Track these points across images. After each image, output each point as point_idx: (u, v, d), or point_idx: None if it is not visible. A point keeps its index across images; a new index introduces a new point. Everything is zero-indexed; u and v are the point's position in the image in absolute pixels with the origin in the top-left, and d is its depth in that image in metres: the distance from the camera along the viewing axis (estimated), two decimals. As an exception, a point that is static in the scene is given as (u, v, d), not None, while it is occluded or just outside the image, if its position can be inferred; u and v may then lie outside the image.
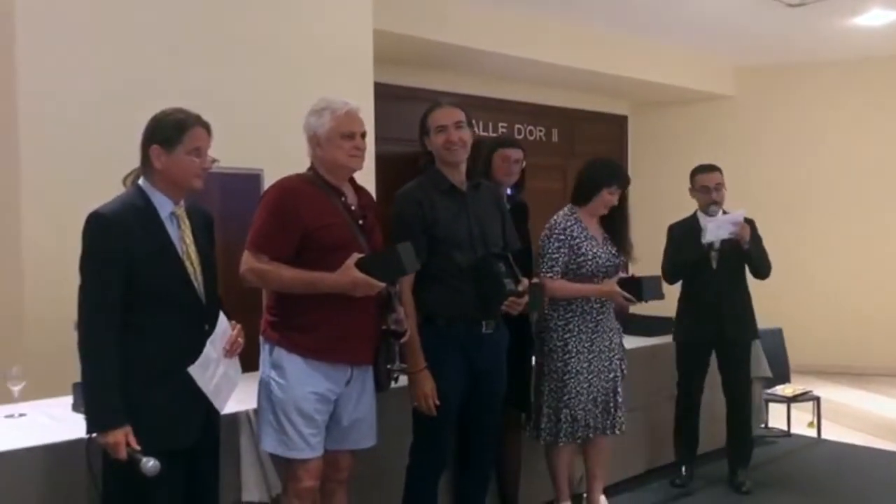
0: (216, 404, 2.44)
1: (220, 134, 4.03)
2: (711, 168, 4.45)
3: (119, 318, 2.23)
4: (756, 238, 4.29)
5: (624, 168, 3.73)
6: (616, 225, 3.67)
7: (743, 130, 8.69)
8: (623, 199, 3.68)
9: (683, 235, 4.41)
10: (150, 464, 2.15)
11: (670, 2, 6.58)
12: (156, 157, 2.33)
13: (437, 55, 6.69)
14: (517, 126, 8.23)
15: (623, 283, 3.57)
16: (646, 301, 3.58)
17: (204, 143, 2.38)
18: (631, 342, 4.37)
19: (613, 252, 3.63)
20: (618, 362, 3.67)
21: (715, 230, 4.17)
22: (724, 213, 4.31)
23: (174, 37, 4.30)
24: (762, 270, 4.33)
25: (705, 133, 8.79)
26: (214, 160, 2.42)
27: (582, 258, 3.53)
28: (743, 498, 4.30)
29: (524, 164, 3.67)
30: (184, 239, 2.36)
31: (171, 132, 2.33)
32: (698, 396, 4.47)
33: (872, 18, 6.96)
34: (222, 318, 2.42)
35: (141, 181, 2.37)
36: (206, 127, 2.40)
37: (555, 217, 3.68)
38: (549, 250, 3.56)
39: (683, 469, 4.49)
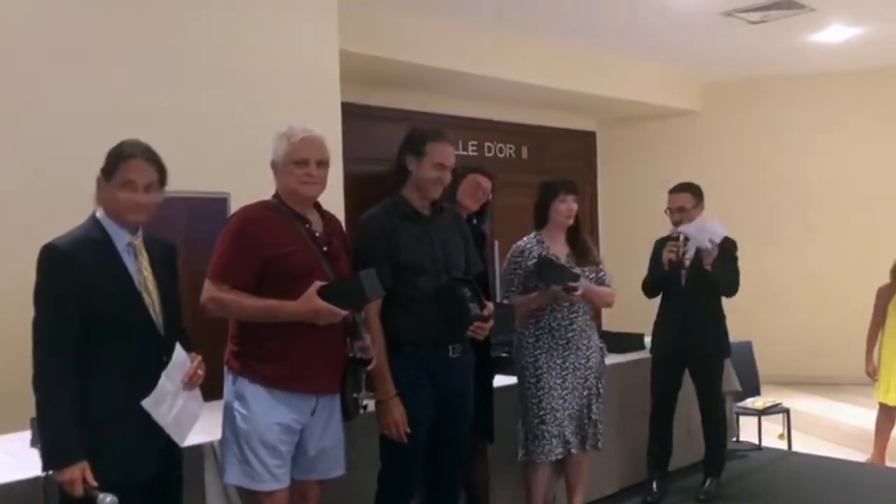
0: (175, 437, 2.39)
1: (186, 158, 4.05)
2: (678, 188, 4.51)
3: (74, 353, 2.19)
4: (728, 259, 4.33)
5: (567, 179, 3.80)
6: (577, 239, 3.71)
7: (708, 144, 8.81)
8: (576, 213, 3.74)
9: (659, 251, 4.45)
10: (107, 500, 2.11)
11: (636, 20, 6.66)
12: (98, 187, 2.31)
13: (406, 75, 6.70)
14: (487, 144, 8.25)
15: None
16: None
17: (141, 176, 2.29)
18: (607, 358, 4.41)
19: (581, 269, 3.66)
20: (594, 380, 3.68)
21: (694, 233, 4.20)
22: (666, 276, 4.33)
23: (137, 60, 4.26)
24: (726, 290, 4.38)
25: (672, 147, 8.89)
26: (157, 196, 2.34)
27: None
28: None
29: (490, 196, 3.69)
30: (141, 271, 2.33)
31: (109, 163, 2.30)
32: (671, 412, 4.49)
33: (831, 35, 7.10)
34: (178, 349, 2.38)
35: (98, 212, 2.33)
36: (151, 160, 2.32)
37: (518, 242, 3.78)
38: (506, 272, 3.72)
39: (654, 485, 4.49)
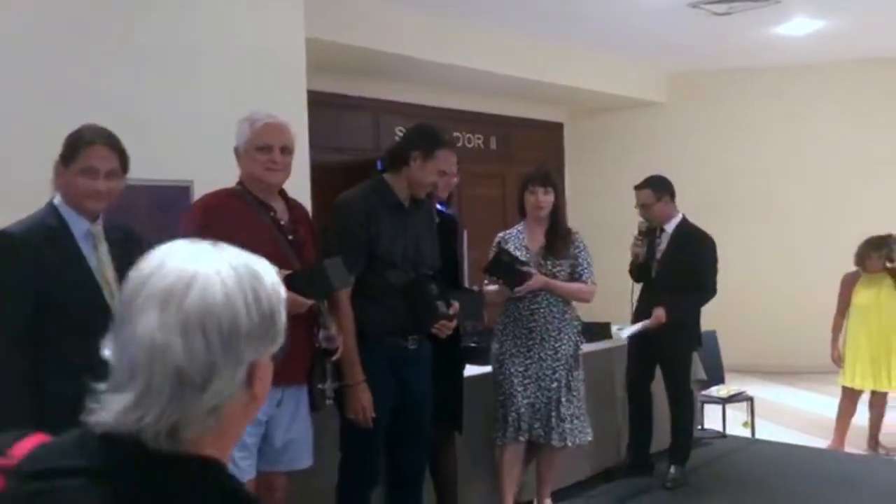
0: None
1: (148, 144, 3.96)
2: (640, 185, 4.60)
3: (27, 345, 2.13)
4: (689, 308, 4.51)
5: (545, 169, 3.85)
6: (552, 231, 3.71)
7: (674, 135, 8.87)
8: (556, 201, 3.75)
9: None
10: None
11: (604, 12, 6.67)
12: (56, 173, 2.25)
13: (373, 64, 6.64)
14: (455, 134, 8.21)
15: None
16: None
17: (101, 163, 2.24)
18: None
19: (554, 262, 3.69)
20: (563, 373, 3.68)
21: (627, 331, 4.48)
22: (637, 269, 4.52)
23: (98, 45, 4.17)
24: (703, 304, 4.57)
25: (638, 138, 8.95)
26: (118, 183, 2.29)
27: None
28: (676, 499, 4.38)
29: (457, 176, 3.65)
30: (100, 259, 2.27)
31: (68, 149, 2.24)
32: (646, 398, 4.60)
33: (795, 28, 7.18)
34: None
35: (56, 199, 2.27)
36: (112, 146, 2.27)
37: (505, 231, 3.86)
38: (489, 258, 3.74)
39: (672, 469, 4.54)
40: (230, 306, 0.92)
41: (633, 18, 6.84)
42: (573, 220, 9.79)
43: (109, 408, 0.92)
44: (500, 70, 7.27)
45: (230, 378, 0.92)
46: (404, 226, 2.92)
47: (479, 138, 8.47)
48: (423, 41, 6.58)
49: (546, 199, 3.67)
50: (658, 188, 4.51)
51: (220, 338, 0.91)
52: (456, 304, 2.96)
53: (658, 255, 4.49)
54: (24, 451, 0.96)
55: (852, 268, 5.39)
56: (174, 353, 0.88)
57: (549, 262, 3.69)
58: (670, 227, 4.53)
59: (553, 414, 3.65)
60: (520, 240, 3.72)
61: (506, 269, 3.61)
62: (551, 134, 9.41)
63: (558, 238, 3.73)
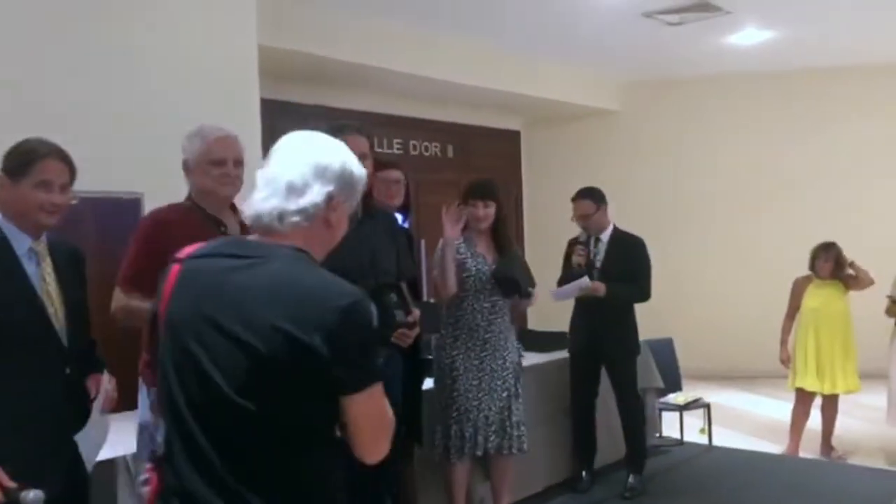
0: (88, 460, 2.28)
1: (96, 155, 3.85)
2: (577, 196, 4.61)
3: None
4: (639, 268, 4.53)
5: (484, 182, 3.77)
6: (499, 238, 3.70)
7: (628, 143, 8.97)
8: (498, 213, 3.72)
9: (571, 252, 4.60)
10: (30, 495, 1.95)
11: (559, 22, 6.70)
12: (2, 187, 2.16)
13: (329, 72, 6.59)
14: (412, 142, 8.20)
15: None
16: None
17: (56, 176, 2.19)
18: (527, 358, 4.42)
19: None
20: (512, 381, 3.67)
21: (560, 295, 4.43)
22: (576, 277, 4.44)
23: (42, 50, 4.04)
24: (636, 300, 4.56)
25: (593, 146, 9.03)
26: (74, 197, 2.25)
27: (466, 273, 3.59)
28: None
29: (406, 182, 3.62)
30: (43, 277, 2.19)
31: (18, 162, 2.16)
32: (591, 406, 4.60)
33: (745, 37, 7.30)
34: (107, 377, 2.30)
35: (-3, 214, 2.18)
36: (64, 160, 2.22)
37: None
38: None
39: (584, 474, 4.59)
40: (328, 158, 1.59)
41: (589, 28, 6.90)
42: (529, 226, 9.83)
43: (250, 203, 1.59)
44: (457, 79, 7.27)
45: (317, 194, 1.55)
46: (357, 238, 2.85)
47: (436, 146, 8.45)
48: (378, 50, 6.54)
49: (486, 212, 3.62)
50: (596, 198, 4.56)
51: (315, 170, 1.56)
52: (416, 312, 2.92)
53: (597, 265, 4.51)
54: (188, 252, 1.63)
55: (805, 272, 5.50)
56: (292, 173, 1.56)
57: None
58: (605, 235, 4.58)
59: (507, 423, 3.63)
60: (470, 247, 3.65)
61: (513, 284, 3.61)
62: (508, 142, 9.44)
63: (506, 250, 3.71)
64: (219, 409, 1.45)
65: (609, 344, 4.47)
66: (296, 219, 1.54)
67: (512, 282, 3.59)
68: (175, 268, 1.60)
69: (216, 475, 1.44)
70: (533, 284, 3.77)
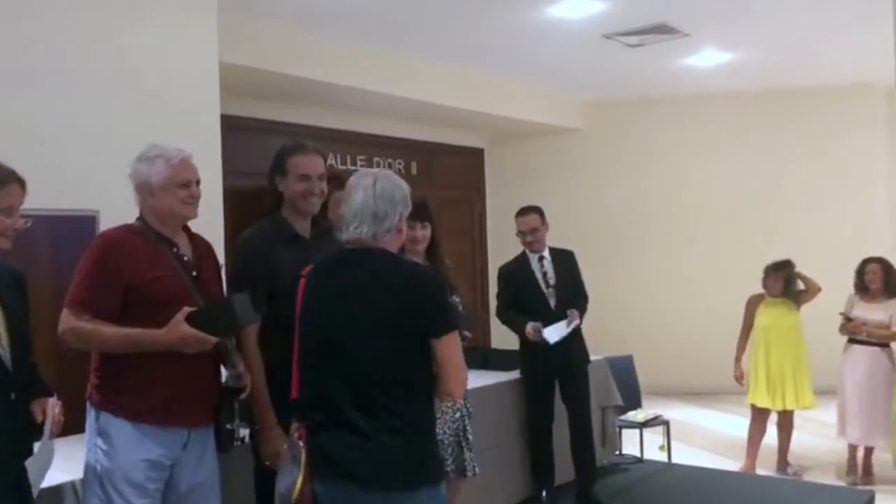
0: (33, 490, 2.23)
1: (51, 172, 3.82)
2: (525, 210, 4.63)
3: None
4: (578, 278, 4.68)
5: (420, 203, 3.50)
6: (434, 260, 3.62)
7: (591, 161, 9.07)
8: (433, 234, 3.59)
9: (517, 275, 4.59)
10: None
11: (522, 41, 6.77)
12: None
13: (291, 89, 6.56)
14: (376, 159, 8.19)
15: None
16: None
17: (16, 201, 2.20)
18: (483, 379, 4.45)
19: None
20: (462, 401, 3.64)
21: (554, 335, 4.39)
22: (564, 317, 4.44)
23: (7, 68, 3.97)
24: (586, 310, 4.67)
25: (556, 164, 9.12)
26: (27, 220, 2.24)
27: None
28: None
29: None
30: (-13, 302, 2.15)
31: None
32: (549, 423, 4.60)
33: (704, 59, 7.44)
34: (53, 400, 2.26)
35: (-63, 239, 2.14)
36: (21, 183, 2.22)
37: None
38: None
39: (544, 494, 4.58)
40: (393, 190, 2.30)
41: (551, 48, 6.97)
42: (493, 244, 9.81)
43: (347, 232, 2.28)
44: (421, 97, 7.29)
45: (393, 217, 2.28)
46: (307, 258, 2.84)
47: (400, 163, 8.45)
48: (342, 67, 6.54)
49: (423, 233, 3.48)
50: (542, 213, 4.60)
51: (389, 201, 2.28)
52: None
53: (552, 282, 4.52)
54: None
55: (759, 290, 5.60)
56: (371, 208, 2.26)
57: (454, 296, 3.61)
58: (546, 252, 4.61)
59: (463, 444, 3.59)
60: None
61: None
62: (472, 159, 9.49)
63: (439, 266, 3.60)
64: (359, 363, 2.22)
65: (569, 360, 4.49)
66: (384, 236, 2.30)
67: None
68: (303, 281, 2.40)
69: (361, 391, 2.22)
70: (473, 327, 3.71)
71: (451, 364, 2.25)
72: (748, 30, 6.65)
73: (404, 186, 2.34)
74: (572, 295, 4.56)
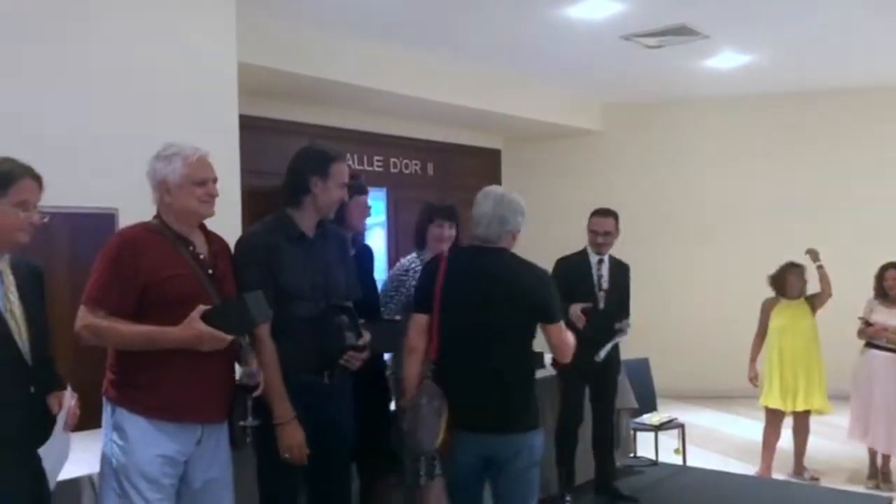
0: (50, 481, 2.27)
1: (72, 170, 3.87)
2: (604, 213, 4.67)
3: None
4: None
5: (452, 206, 3.76)
6: None
7: (609, 163, 9.04)
8: (457, 237, 3.72)
9: (575, 269, 4.57)
10: None
11: (540, 42, 6.76)
12: None
13: (309, 89, 6.60)
14: (392, 159, 8.22)
15: None
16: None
17: (32, 196, 2.22)
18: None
19: None
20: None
21: (603, 352, 4.46)
22: (617, 329, 4.51)
23: (21, 64, 4.03)
24: None
25: (575, 166, 9.09)
26: (44, 215, 2.26)
27: None
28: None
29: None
30: (7, 296, 2.18)
31: None
32: (577, 426, 4.63)
33: (723, 61, 7.40)
34: (69, 393, 2.29)
35: (-42, 234, 2.17)
36: (37, 179, 2.24)
37: (401, 260, 3.75)
38: (387, 290, 3.68)
39: (567, 497, 4.60)
40: (516, 201, 2.93)
41: (569, 49, 6.96)
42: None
43: (478, 229, 2.91)
44: (438, 98, 7.30)
45: (513, 223, 2.91)
46: (310, 257, 2.86)
47: (416, 164, 8.48)
48: (360, 68, 6.56)
49: (450, 233, 3.64)
50: (617, 219, 4.63)
51: (512, 210, 2.91)
52: (367, 336, 2.91)
53: (604, 286, 4.57)
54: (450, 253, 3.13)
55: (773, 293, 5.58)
56: (499, 213, 2.88)
57: None
58: (606, 257, 4.65)
59: None
60: None
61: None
62: (489, 160, 9.48)
63: None
64: (494, 337, 2.85)
65: (607, 362, 4.51)
66: (505, 236, 2.92)
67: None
68: (443, 263, 2.94)
69: (493, 357, 2.86)
70: None
71: (563, 342, 2.98)
72: (768, 31, 6.60)
73: (523, 203, 2.95)
74: (618, 304, 4.57)
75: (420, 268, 3.52)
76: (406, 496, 3.58)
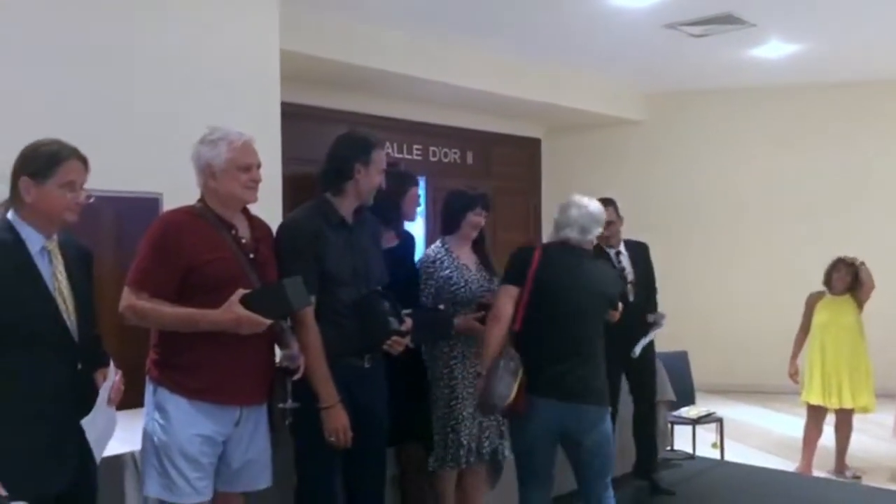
0: (95, 454, 2.32)
1: (117, 155, 3.94)
2: (603, 203, 4.55)
3: None
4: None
5: (483, 192, 3.72)
6: (483, 250, 3.68)
7: (650, 155, 8.93)
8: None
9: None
10: None
11: (582, 31, 6.70)
12: (25, 189, 2.21)
13: (350, 77, 6.63)
14: (431, 148, 8.23)
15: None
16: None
17: (79, 176, 2.27)
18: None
19: (487, 278, 3.62)
20: None
21: (638, 348, 4.48)
22: (651, 321, 4.51)
23: (68, 52, 4.11)
24: None
25: (616, 156, 9.00)
26: (90, 196, 2.30)
27: (455, 286, 3.50)
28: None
29: None
30: (56, 275, 2.24)
31: (42, 164, 2.21)
32: (613, 418, 4.58)
33: (770, 50, 7.26)
34: (112, 368, 2.34)
35: (10, 214, 2.24)
36: (83, 160, 2.29)
37: (426, 251, 3.71)
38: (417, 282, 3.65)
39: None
40: (600, 209, 3.38)
41: (612, 38, 6.88)
42: (549, 235, 9.76)
43: (565, 231, 3.29)
44: (479, 86, 7.29)
45: (594, 231, 3.35)
46: (350, 243, 2.89)
47: (455, 153, 8.47)
48: (401, 56, 6.58)
49: (483, 221, 3.64)
50: (616, 206, 4.56)
51: (596, 221, 3.33)
52: (409, 321, 2.94)
53: (630, 278, 4.51)
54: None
55: (820, 287, 5.48)
56: (585, 221, 3.29)
57: (495, 280, 3.65)
58: (621, 247, 4.60)
59: (504, 427, 3.61)
60: (452, 259, 3.56)
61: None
62: (529, 150, 9.44)
63: (489, 256, 3.70)
64: (579, 316, 3.20)
65: (643, 354, 4.52)
66: (586, 240, 3.30)
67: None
68: (538, 250, 3.28)
69: (579, 339, 3.20)
70: None
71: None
72: (816, 20, 6.46)
73: (603, 213, 3.38)
74: (646, 291, 4.54)
75: (445, 257, 3.54)
76: (430, 480, 3.59)
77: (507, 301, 3.21)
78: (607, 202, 4.51)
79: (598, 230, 3.33)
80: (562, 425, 3.14)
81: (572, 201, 3.31)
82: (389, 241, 3.42)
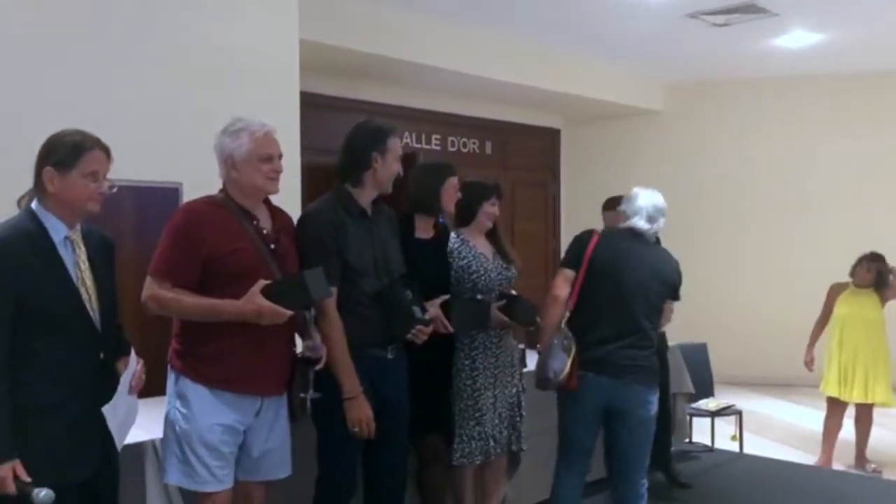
0: (117, 441, 2.34)
1: (137, 145, 3.95)
2: (608, 206, 4.59)
3: (7, 347, 2.11)
4: None
5: (496, 183, 3.74)
6: (498, 239, 3.68)
7: (670, 145, 8.87)
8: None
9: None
10: (42, 494, 2.03)
11: (602, 20, 6.65)
12: (49, 179, 2.22)
13: (369, 67, 6.62)
14: (450, 138, 8.21)
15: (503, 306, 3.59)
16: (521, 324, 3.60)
17: (102, 166, 2.28)
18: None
19: (504, 266, 3.63)
20: (519, 377, 3.66)
21: None
22: None
23: (87, 42, 4.12)
24: None
25: (635, 146, 8.94)
26: (112, 186, 2.32)
27: (475, 275, 3.51)
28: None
29: None
30: (79, 265, 2.25)
31: (66, 155, 2.22)
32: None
33: (792, 40, 7.17)
34: (133, 356, 2.36)
35: (34, 204, 2.25)
36: (106, 150, 2.30)
37: None
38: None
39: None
40: (661, 201, 3.46)
41: (632, 27, 6.83)
42: (567, 225, 9.73)
43: (631, 220, 3.43)
44: (498, 76, 7.25)
45: (659, 221, 3.45)
46: (370, 233, 2.90)
47: (474, 143, 8.45)
48: (419, 46, 6.55)
49: (498, 212, 3.67)
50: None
51: (660, 211, 3.44)
52: (432, 310, 2.95)
53: None
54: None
55: (842, 279, 5.42)
56: (652, 210, 3.43)
57: (511, 268, 3.66)
58: None
59: (517, 418, 3.61)
60: (469, 248, 3.56)
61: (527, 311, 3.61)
62: (548, 140, 9.40)
63: (505, 244, 3.71)
64: (635, 300, 3.29)
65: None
66: (657, 232, 3.44)
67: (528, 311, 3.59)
68: (595, 236, 3.41)
69: (633, 324, 3.30)
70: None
71: (669, 318, 3.69)
72: (840, 9, 6.37)
73: (665, 207, 3.47)
74: None
75: (462, 247, 3.54)
76: (449, 472, 3.60)
77: (563, 283, 3.39)
78: (611, 204, 4.50)
79: (663, 221, 3.42)
80: (610, 403, 3.28)
81: (639, 192, 3.44)
82: (426, 231, 3.43)
